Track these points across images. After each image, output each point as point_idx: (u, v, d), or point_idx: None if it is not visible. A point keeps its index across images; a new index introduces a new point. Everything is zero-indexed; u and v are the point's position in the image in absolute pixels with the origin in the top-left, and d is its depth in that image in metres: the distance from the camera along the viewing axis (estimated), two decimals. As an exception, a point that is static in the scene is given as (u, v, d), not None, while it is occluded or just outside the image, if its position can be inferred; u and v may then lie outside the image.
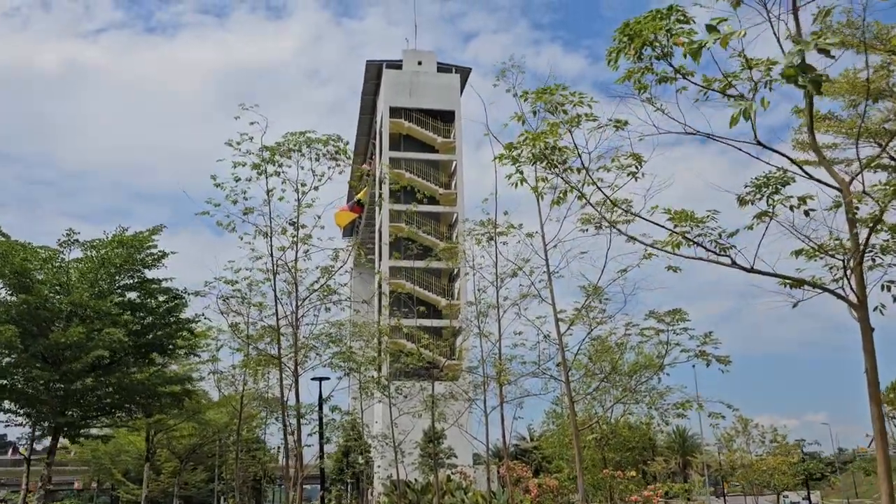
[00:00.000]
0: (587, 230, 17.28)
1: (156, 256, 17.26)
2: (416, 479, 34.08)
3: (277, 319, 15.33)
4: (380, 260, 51.69)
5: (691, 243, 9.33)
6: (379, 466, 42.28)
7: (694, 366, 17.08)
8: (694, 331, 16.52)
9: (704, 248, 8.95)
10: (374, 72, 61.52)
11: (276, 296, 15.06)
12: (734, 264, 9.01)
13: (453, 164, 58.85)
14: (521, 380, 20.62)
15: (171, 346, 18.16)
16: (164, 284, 17.41)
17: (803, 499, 46.86)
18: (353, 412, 32.20)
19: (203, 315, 15.02)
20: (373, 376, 28.10)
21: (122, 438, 37.85)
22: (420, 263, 50.18)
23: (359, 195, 53.59)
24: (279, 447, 43.88)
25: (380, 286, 45.71)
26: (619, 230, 16.55)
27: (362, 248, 23.21)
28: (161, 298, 17.59)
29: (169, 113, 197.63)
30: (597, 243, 16.97)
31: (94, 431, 28.69)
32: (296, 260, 15.42)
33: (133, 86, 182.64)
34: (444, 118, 59.33)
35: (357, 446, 35.08)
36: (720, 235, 9.27)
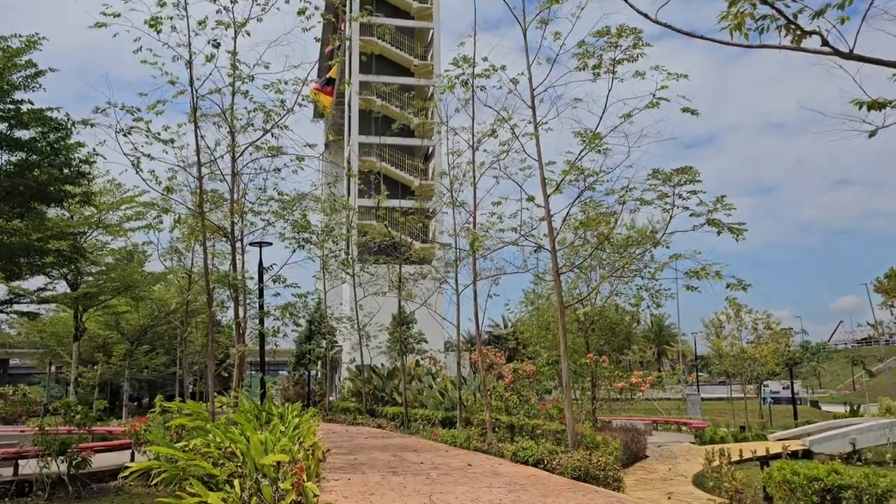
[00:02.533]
0: (585, 67, 14.23)
1: (28, 75, 13.62)
2: (382, 364, 32.15)
3: (199, 152, 12.23)
4: (349, 136, 48.04)
5: (759, 20, 6.23)
6: (345, 351, 40.47)
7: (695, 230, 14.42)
8: (705, 193, 13.78)
9: (786, 16, 5.88)
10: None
11: (195, 112, 11.85)
12: (826, 46, 5.99)
13: (430, 33, 54.21)
14: (497, 253, 17.98)
15: (58, 193, 14.89)
16: (45, 114, 13.83)
17: (784, 388, 46.30)
18: (316, 292, 29.71)
19: (96, 152, 11.89)
20: (331, 250, 25.38)
21: (70, 320, 35.44)
22: (392, 140, 46.80)
23: (330, 72, 49.12)
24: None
25: (349, 162, 42.43)
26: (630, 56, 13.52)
27: (331, 132, 19.96)
28: (38, 130, 14.07)
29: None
30: (593, 92, 13.85)
31: (21, 308, 26.09)
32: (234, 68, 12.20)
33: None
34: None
35: (320, 329, 32.89)
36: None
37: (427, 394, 23.76)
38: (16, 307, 25.97)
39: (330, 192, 19.95)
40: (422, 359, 32.96)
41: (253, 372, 42.28)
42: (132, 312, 30.03)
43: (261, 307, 14.01)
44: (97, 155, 12.00)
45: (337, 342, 38.18)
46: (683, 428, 29.36)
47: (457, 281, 20.35)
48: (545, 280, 22.33)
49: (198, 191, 12.52)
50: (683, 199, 13.95)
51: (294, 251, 19.03)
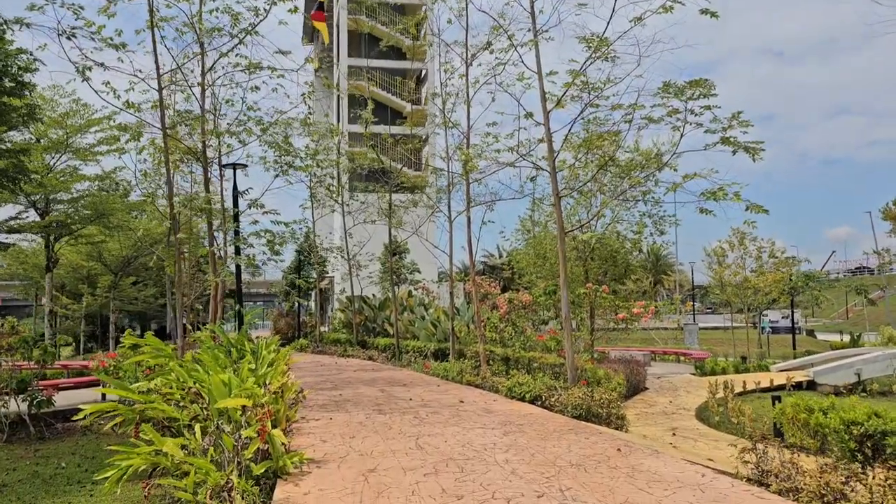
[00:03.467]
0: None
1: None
2: (374, 295, 31.31)
3: (157, 59, 10.83)
4: (338, 59, 45.90)
5: None
6: (336, 282, 39.63)
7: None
8: (719, 109, 12.53)
9: None
10: None
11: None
12: None
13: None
14: (492, 177, 16.82)
15: None
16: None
17: (783, 317, 45.84)
18: (304, 221, 28.52)
19: (36, 59, 10.50)
20: (318, 177, 24.11)
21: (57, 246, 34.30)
22: (382, 63, 44.74)
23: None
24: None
25: (337, 85, 40.55)
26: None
27: (316, 57, 18.31)
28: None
29: None
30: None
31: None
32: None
33: None
34: None
35: (309, 259, 31.88)
36: None
37: (419, 325, 22.96)
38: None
39: (308, 112, 18.44)
40: (414, 289, 32.16)
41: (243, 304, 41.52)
42: (110, 242, 28.90)
43: (236, 233, 12.88)
44: (37, 61, 10.59)
45: (328, 273, 37.28)
46: (682, 358, 28.83)
47: (449, 207, 19.24)
48: (543, 206, 21.26)
49: (159, 104, 11.18)
50: (696, 114, 12.71)
51: (276, 176, 17.83)
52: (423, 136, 46.94)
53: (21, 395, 11.19)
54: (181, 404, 7.93)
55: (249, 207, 13.72)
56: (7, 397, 11.09)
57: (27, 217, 22.45)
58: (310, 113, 16.09)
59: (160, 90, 11.10)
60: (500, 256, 51.87)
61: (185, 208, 12.75)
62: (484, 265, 51.21)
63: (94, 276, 34.19)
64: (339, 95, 42.07)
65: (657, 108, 13.02)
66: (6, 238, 25.27)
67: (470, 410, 10.86)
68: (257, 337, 12.88)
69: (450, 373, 16.04)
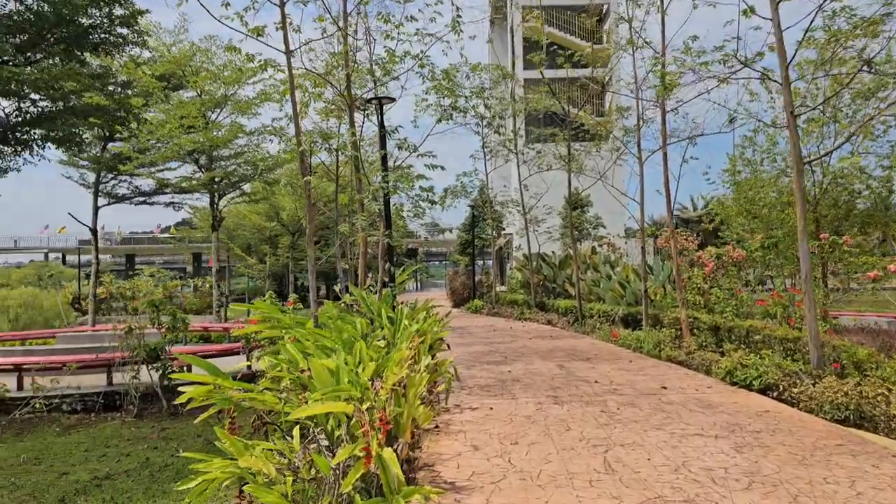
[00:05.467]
0: None
1: None
2: (553, 252, 28.66)
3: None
4: None
5: None
6: (513, 238, 37.42)
7: None
8: None
9: None
10: None
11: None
12: None
13: None
14: (692, 105, 13.48)
15: (105, 37, 12.11)
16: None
17: None
18: (473, 173, 26.44)
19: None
20: (488, 120, 21.76)
21: (238, 210, 35.21)
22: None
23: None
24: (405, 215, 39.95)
25: (512, 30, 37.84)
26: None
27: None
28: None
29: None
30: None
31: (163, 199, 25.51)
32: None
33: None
34: None
35: (484, 214, 29.83)
36: None
37: (605, 285, 20.06)
38: (160, 198, 25.40)
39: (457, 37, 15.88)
40: (598, 245, 29.07)
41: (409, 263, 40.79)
42: (282, 200, 28.68)
43: (384, 178, 10.91)
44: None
45: (504, 229, 35.13)
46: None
47: (639, 146, 16.11)
48: (758, 139, 17.34)
49: (282, 23, 9.31)
50: None
51: (439, 121, 15.69)
52: (605, 79, 42.87)
53: (153, 365, 10.13)
54: (282, 396, 5.98)
55: (399, 149, 11.71)
56: (137, 367, 10.02)
57: (198, 177, 22.43)
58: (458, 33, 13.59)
59: (282, 5, 9.22)
60: (694, 209, 46.83)
61: (314, 146, 10.97)
62: (677, 218, 46.42)
63: (275, 236, 34.69)
64: (512, 37, 39.31)
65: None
66: (180, 199, 25.79)
67: (677, 402, 8.07)
68: (428, 300, 10.85)
69: (644, 344, 13.17)
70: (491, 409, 7.93)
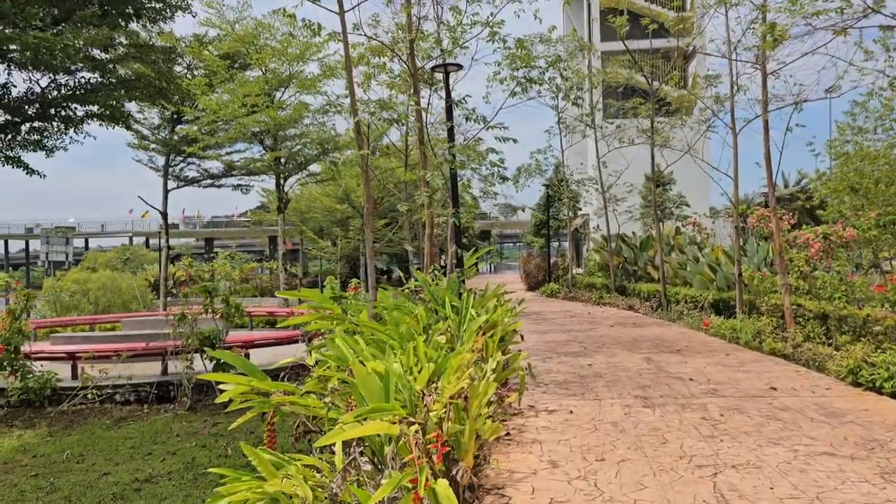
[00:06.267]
0: None
1: None
2: (634, 233, 27.12)
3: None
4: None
5: None
6: (591, 219, 35.90)
7: None
8: None
9: None
10: None
11: None
12: None
13: None
14: (796, 66, 11.94)
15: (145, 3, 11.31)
16: None
17: None
18: (547, 149, 25.18)
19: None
20: (562, 89, 20.51)
21: (313, 191, 35.01)
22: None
23: None
24: (476, 197, 38.83)
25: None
26: None
27: None
28: None
29: None
30: None
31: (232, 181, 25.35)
32: None
33: None
34: None
35: (559, 194, 28.51)
36: None
37: (692, 268, 18.56)
38: (229, 181, 25.28)
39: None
40: (683, 225, 27.37)
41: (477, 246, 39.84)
42: (351, 182, 28.11)
43: (451, 153, 9.88)
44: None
45: (580, 209, 33.65)
46: None
47: (732, 114, 14.61)
48: (882, 95, 15.48)
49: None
50: None
51: (513, 94, 14.60)
52: (689, 48, 40.55)
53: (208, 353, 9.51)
54: (327, 400, 5.14)
55: (467, 120, 10.71)
56: (191, 356, 9.44)
57: (264, 158, 22.11)
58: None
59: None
60: (786, 185, 43.93)
61: (372, 116, 10.08)
62: (766, 196, 43.51)
63: (346, 218, 34.31)
64: (589, 5, 37.59)
65: None
66: (248, 181, 25.61)
67: (793, 408, 6.83)
68: (499, 284, 9.90)
69: (741, 334, 11.82)
70: (570, 412, 6.90)
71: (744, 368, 9.20)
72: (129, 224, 66.56)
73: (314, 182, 27.96)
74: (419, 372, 4.76)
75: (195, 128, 20.90)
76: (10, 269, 69.41)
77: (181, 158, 23.58)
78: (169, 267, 29.47)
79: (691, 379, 8.47)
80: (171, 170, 23.56)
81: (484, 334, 6.83)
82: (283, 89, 20.57)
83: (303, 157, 21.82)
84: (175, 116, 21.77)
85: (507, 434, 6.11)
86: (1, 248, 70.99)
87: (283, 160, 21.39)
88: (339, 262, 36.09)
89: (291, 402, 5.29)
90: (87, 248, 63.15)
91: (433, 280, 10.07)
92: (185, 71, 21.07)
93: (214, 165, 24.76)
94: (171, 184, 23.85)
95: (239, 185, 25.86)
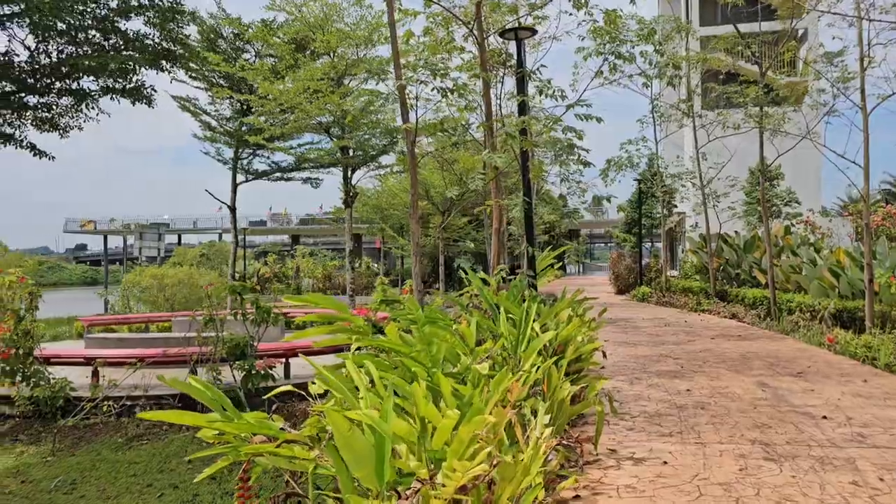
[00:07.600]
0: None
1: None
2: (736, 232, 24.61)
3: None
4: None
5: None
6: (687, 217, 33.30)
7: None
8: None
9: None
10: None
11: None
12: None
13: None
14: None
15: None
16: None
17: None
18: (641, 140, 23.09)
19: None
20: (657, 67, 18.49)
21: (393, 186, 34.08)
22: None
23: None
24: (562, 193, 36.82)
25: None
26: None
27: None
28: None
29: None
30: None
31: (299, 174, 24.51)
32: None
33: None
34: None
35: (652, 189, 26.29)
36: None
37: (808, 273, 16.18)
38: (299, 174, 24.43)
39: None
40: (793, 224, 24.63)
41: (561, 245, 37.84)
42: (431, 177, 26.85)
43: (523, 132, 8.25)
44: None
45: (676, 206, 31.17)
46: None
47: (863, 91, 12.36)
48: None
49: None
50: None
51: (598, 73, 12.87)
52: (799, 32, 37.24)
53: (237, 363, 8.36)
54: (318, 451, 3.71)
55: (540, 94, 9.10)
56: (217, 365, 8.27)
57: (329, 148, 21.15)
58: None
59: None
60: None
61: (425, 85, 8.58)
62: (886, 193, 39.54)
63: (426, 215, 33.15)
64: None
65: None
66: (318, 174, 24.67)
67: (984, 472, 4.89)
68: (578, 289, 8.29)
69: (879, 354, 9.67)
70: (664, 462, 5.20)
71: (893, 402, 7.19)
72: (218, 221, 67.82)
73: (390, 174, 26.92)
74: (440, 421, 3.23)
75: (262, 118, 20.11)
76: (117, 263, 72.31)
77: (250, 151, 22.95)
78: (254, 264, 29.05)
79: (825, 417, 6.57)
80: (239, 163, 22.96)
81: (553, 355, 5.24)
82: (350, 77, 19.48)
83: (371, 147, 20.68)
84: (244, 108, 21.10)
85: (576, 498, 4.49)
86: (103, 244, 74.10)
87: (349, 150, 20.30)
88: (420, 262, 35.07)
89: (271, 452, 3.89)
90: (179, 243, 64.88)
91: (500, 284, 8.54)
92: (254, 58, 20.33)
93: (283, 158, 24.07)
94: (240, 177, 23.28)
95: (309, 179, 25.02)
